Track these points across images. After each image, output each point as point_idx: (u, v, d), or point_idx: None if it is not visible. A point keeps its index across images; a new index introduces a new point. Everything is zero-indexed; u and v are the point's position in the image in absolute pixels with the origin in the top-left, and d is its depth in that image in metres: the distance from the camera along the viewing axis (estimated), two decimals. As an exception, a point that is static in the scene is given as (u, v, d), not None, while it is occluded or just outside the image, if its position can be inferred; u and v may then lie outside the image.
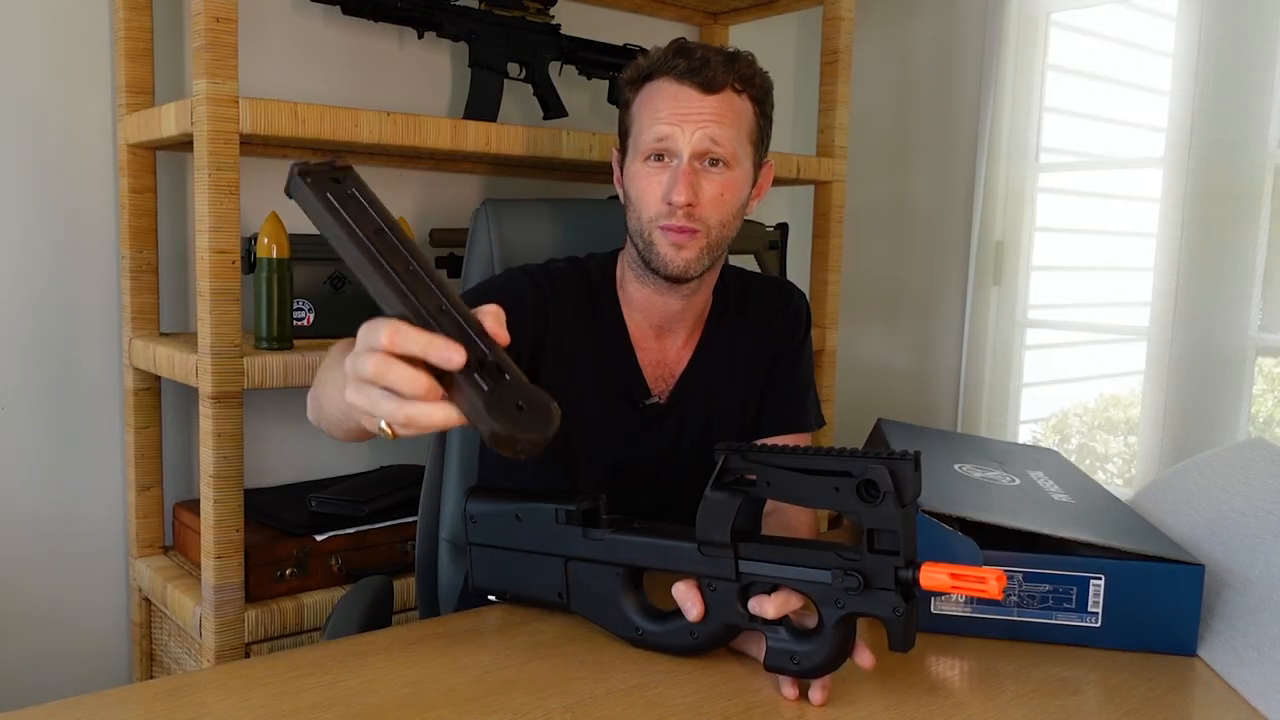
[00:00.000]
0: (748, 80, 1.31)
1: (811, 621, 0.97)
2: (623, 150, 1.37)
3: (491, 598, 1.18)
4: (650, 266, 1.32)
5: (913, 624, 0.93)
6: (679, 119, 1.27)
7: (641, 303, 1.38)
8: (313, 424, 1.17)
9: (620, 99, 1.37)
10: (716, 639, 1.02)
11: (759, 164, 1.37)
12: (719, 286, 1.44)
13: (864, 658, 0.98)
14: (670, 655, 1.04)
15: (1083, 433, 2.53)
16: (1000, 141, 2.38)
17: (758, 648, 1.03)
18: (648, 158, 1.30)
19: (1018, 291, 2.40)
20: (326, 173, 0.81)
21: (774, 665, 0.97)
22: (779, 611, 0.96)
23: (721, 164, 1.29)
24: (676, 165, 1.28)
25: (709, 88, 1.28)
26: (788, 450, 0.97)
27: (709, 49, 1.31)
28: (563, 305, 1.36)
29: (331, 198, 0.80)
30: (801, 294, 1.52)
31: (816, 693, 0.95)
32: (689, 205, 1.27)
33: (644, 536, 1.06)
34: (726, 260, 1.45)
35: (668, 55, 1.30)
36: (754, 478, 0.97)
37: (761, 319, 1.46)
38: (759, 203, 1.41)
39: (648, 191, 1.30)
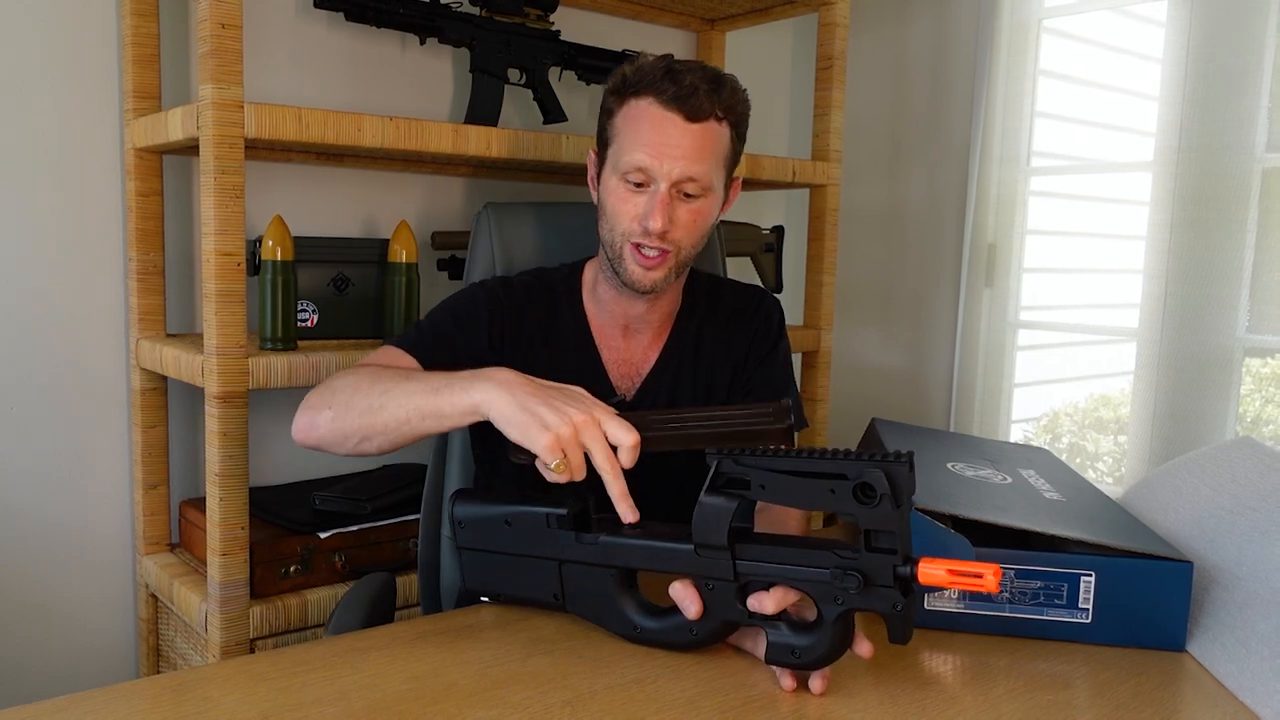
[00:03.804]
0: (730, 108, 1.31)
1: (810, 615, 0.97)
2: (600, 157, 1.38)
3: (484, 599, 1.17)
4: (620, 278, 1.34)
5: (911, 617, 0.93)
6: (660, 150, 1.27)
7: (609, 303, 1.41)
8: (306, 425, 1.23)
9: (603, 105, 1.36)
10: (715, 635, 1.02)
11: (729, 183, 1.39)
12: (688, 288, 1.46)
13: (863, 648, 0.98)
14: (669, 651, 1.04)
15: (1073, 432, 2.53)
16: (992, 146, 2.38)
17: (754, 642, 1.03)
18: (626, 179, 1.30)
19: (1009, 293, 2.40)
20: None
21: (774, 659, 0.97)
22: (778, 606, 0.96)
23: (697, 194, 1.30)
24: (654, 191, 1.28)
25: (693, 117, 1.28)
26: (781, 454, 0.96)
27: (696, 74, 1.29)
28: (519, 314, 1.39)
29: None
30: (774, 300, 1.52)
31: (816, 682, 0.96)
32: (663, 231, 1.28)
33: (638, 539, 1.05)
34: (698, 264, 1.46)
35: (656, 75, 1.29)
36: (748, 480, 0.97)
37: (730, 324, 1.47)
38: (732, 207, 1.44)
39: (623, 211, 1.31)
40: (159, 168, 1.81)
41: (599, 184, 1.37)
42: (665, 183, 1.27)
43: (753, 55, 2.71)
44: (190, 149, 1.67)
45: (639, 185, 1.29)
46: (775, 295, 1.53)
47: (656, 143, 1.27)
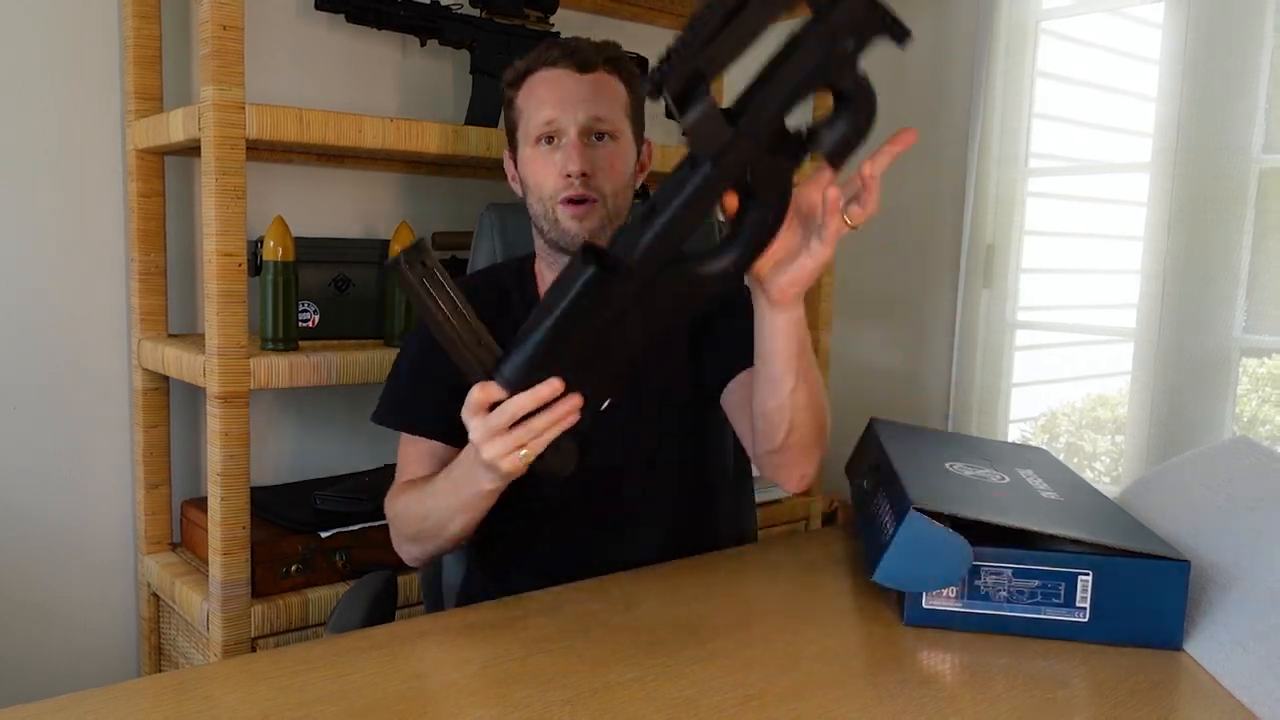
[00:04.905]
0: (616, 62, 1.38)
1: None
2: (513, 147, 1.41)
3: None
4: (559, 246, 1.36)
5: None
6: (561, 103, 1.33)
7: None
8: (408, 556, 1.35)
9: (504, 101, 1.41)
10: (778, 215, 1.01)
11: (639, 139, 1.42)
12: None
13: (905, 137, 1.01)
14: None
15: (1071, 432, 2.54)
16: (990, 147, 2.38)
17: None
18: (538, 141, 1.34)
19: (1008, 293, 2.40)
20: (416, 258, 0.95)
21: (838, 154, 0.99)
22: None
23: (607, 136, 1.35)
24: (566, 142, 1.33)
25: (584, 68, 1.34)
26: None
27: (579, 39, 1.38)
28: None
29: (426, 285, 0.96)
30: None
31: (856, 210, 1.04)
32: (584, 174, 1.32)
33: (653, 230, 0.96)
34: None
35: (541, 50, 1.37)
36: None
37: None
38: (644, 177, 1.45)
39: (543, 171, 1.34)
40: (160, 168, 1.81)
41: (519, 168, 1.40)
42: (574, 129, 1.32)
43: (750, 55, 2.71)
44: (192, 150, 1.67)
45: (550, 142, 1.34)
46: None
47: (557, 98, 1.33)
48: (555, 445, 1.03)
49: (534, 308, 0.99)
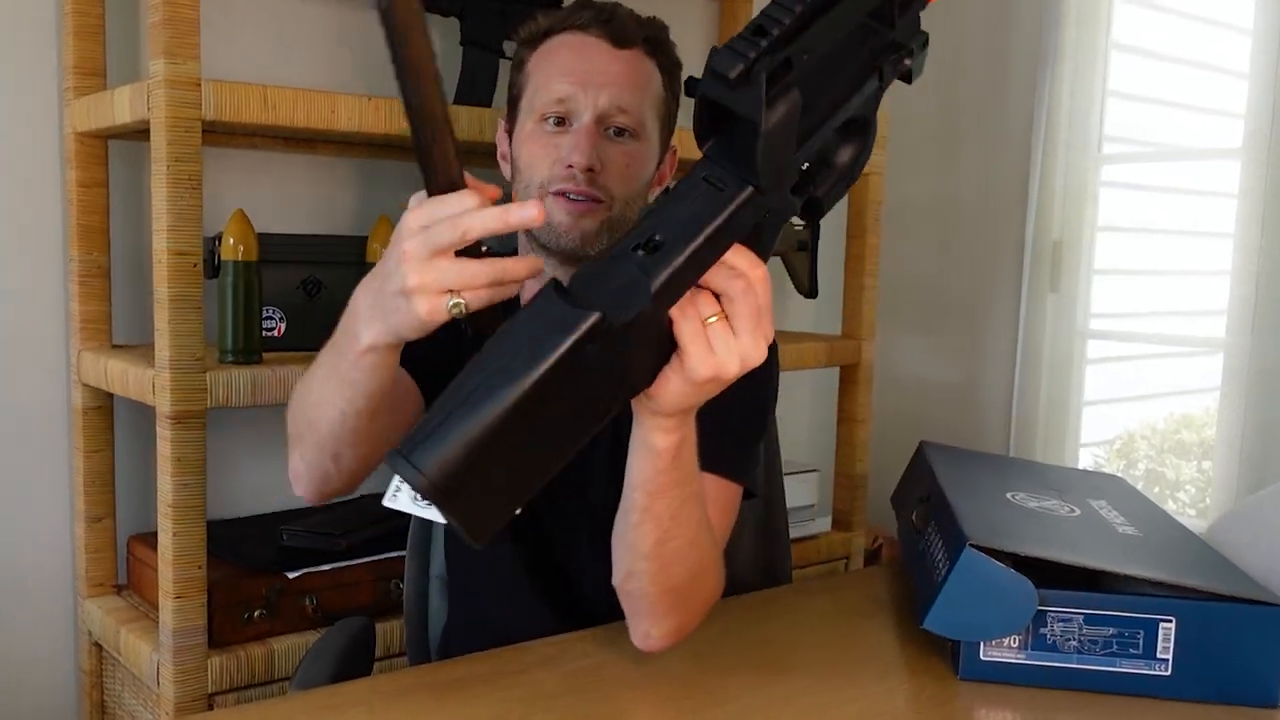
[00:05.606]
0: (657, 44, 1.31)
1: None
2: (511, 120, 1.34)
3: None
4: (540, 241, 1.28)
5: None
6: (583, 77, 1.25)
7: None
8: (292, 475, 1.18)
9: (514, 60, 1.34)
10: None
11: (664, 145, 1.35)
12: None
13: None
14: None
15: (1151, 457, 2.53)
16: (1058, 130, 2.38)
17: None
18: (544, 119, 1.27)
19: (1078, 298, 2.40)
20: None
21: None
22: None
23: (628, 134, 1.27)
24: (577, 128, 1.25)
25: (619, 41, 1.27)
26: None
27: (618, 4, 1.30)
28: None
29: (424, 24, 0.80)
30: None
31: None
32: (590, 170, 1.23)
33: (671, 267, 0.82)
34: None
35: (570, 11, 1.29)
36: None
37: None
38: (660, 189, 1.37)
39: (540, 155, 1.26)
40: (104, 154, 1.82)
41: (512, 145, 1.33)
42: (590, 113, 1.24)
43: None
44: (140, 133, 1.68)
45: (560, 124, 1.26)
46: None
47: (579, 69, 1.25)
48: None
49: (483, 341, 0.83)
